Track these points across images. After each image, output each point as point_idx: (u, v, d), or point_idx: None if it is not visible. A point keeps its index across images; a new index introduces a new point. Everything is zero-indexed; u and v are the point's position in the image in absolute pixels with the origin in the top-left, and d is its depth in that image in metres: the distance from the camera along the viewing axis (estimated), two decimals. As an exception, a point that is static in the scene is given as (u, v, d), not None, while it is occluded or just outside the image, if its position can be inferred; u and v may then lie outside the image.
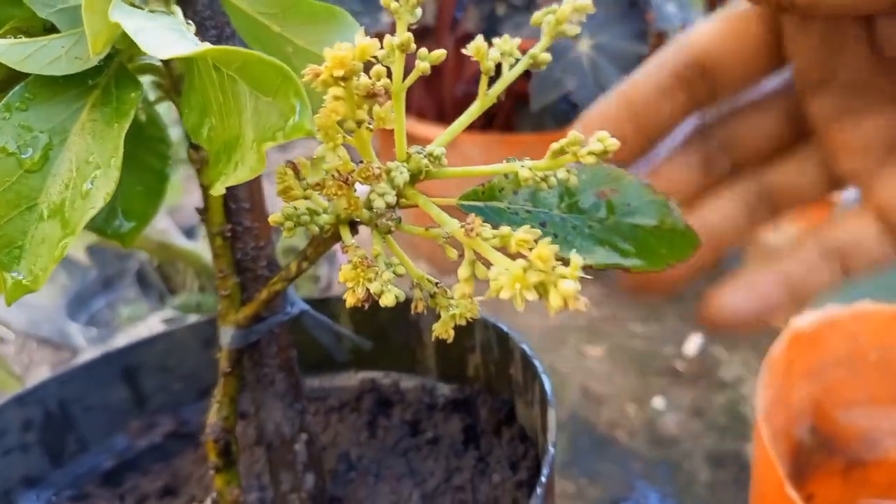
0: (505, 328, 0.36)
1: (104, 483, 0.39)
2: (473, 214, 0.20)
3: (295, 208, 0.22)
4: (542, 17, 0.22)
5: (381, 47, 0.21)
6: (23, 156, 0.23)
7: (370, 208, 0.22)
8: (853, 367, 0.60)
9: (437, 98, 1.00)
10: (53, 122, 0.23)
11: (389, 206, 0.21)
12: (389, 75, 0.21)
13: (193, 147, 0.27)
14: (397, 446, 0.39)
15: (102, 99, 0.24)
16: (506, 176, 0.22)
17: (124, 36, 0.22)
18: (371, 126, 0.21)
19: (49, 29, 0.24)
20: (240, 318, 0.29)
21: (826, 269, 0.25)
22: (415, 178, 0.22)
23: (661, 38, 0.83)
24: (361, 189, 0.22)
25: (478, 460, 0.36)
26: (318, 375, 0.43)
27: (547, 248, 0.17)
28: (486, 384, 0.40)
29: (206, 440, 0.30)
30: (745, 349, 0.89)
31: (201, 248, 0.72)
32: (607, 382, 0.85)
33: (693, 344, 0.90)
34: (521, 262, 0.18)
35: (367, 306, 0.21)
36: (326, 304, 0.41)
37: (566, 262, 0.17)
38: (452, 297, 0.22)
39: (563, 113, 0.86)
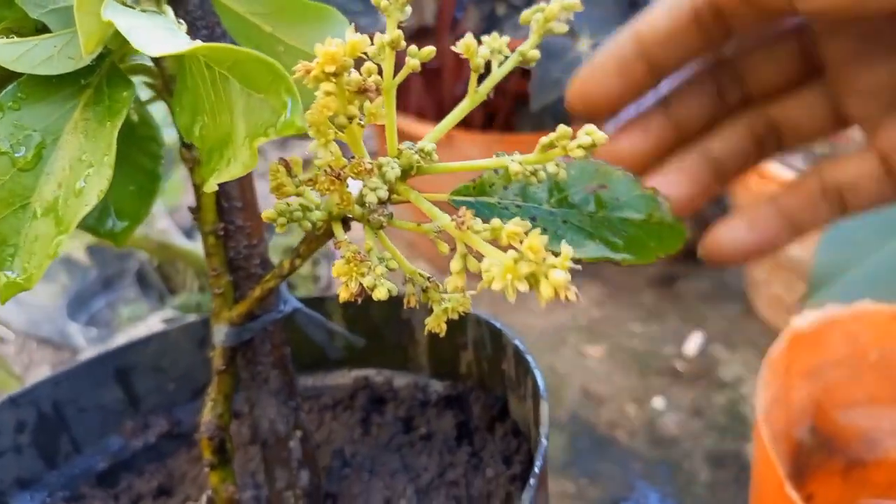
0: (498, 324, 0.36)
1: (98, 484, 0.38)
2: (464, 208, 0.20)
3: (288, 204, 0.22)
4: (530, 15, 0.22)
5: (372, 44, 0.21)
6: (16, 154, 0.23)
7: (362, 204, 0.22)
8: (853, 367, 0.59)
9: (436, 98, 1.00)
10: (46, 121, 0.24)
11: (381, 202, 0.22)
12: (381, 73, 0.21)
13: (186, 146, 0.27)
14: (391, 443, 0.39)
15: (95, 98, 0.24)
16: (496, 172, 0.22)
17: (116, 36, 0.22)
18: (362, 122, 0.21)
19: (41, 29, 0.24)
20: (233, 316, 0.29)
21: (825, 205, 0.26)
22: (406, 173, 0.22)
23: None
24: (354, 185, 0.22)
25: (471, 455, 0.36)
26: (312, 374, 0.43)
27: (537, 239, 0.17)
28: (478, 380, 0.40)
29: (201, 438, 0.30)
30: (745, 349, 0.88)
31: (201, 247, 0.72)
32: (607, 382, 0.85)
33: (693, 344, 0.90)
34: (512, 253, 0.18)
35: (360, 301, 0.21)
36: (320, 303, 0.41)
37: (557, 255, 0.17)
38: (445, 292, 0.22)
39: (563, 113, 0.86)
